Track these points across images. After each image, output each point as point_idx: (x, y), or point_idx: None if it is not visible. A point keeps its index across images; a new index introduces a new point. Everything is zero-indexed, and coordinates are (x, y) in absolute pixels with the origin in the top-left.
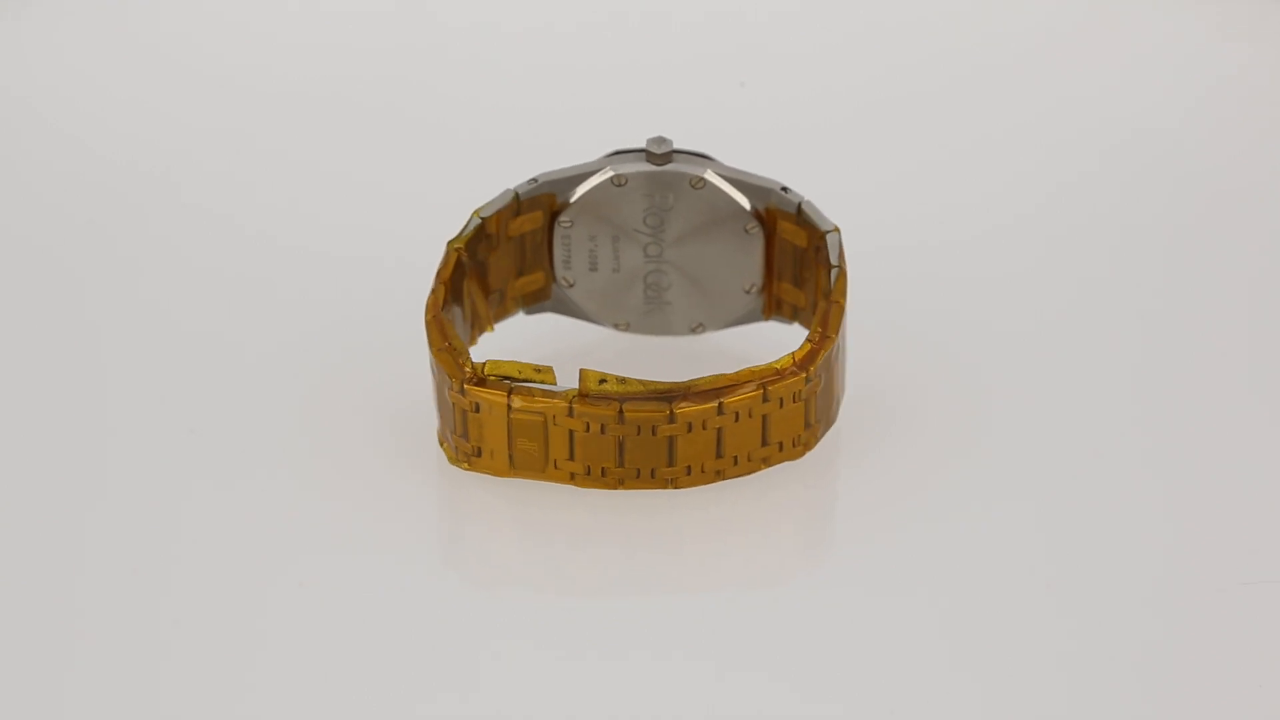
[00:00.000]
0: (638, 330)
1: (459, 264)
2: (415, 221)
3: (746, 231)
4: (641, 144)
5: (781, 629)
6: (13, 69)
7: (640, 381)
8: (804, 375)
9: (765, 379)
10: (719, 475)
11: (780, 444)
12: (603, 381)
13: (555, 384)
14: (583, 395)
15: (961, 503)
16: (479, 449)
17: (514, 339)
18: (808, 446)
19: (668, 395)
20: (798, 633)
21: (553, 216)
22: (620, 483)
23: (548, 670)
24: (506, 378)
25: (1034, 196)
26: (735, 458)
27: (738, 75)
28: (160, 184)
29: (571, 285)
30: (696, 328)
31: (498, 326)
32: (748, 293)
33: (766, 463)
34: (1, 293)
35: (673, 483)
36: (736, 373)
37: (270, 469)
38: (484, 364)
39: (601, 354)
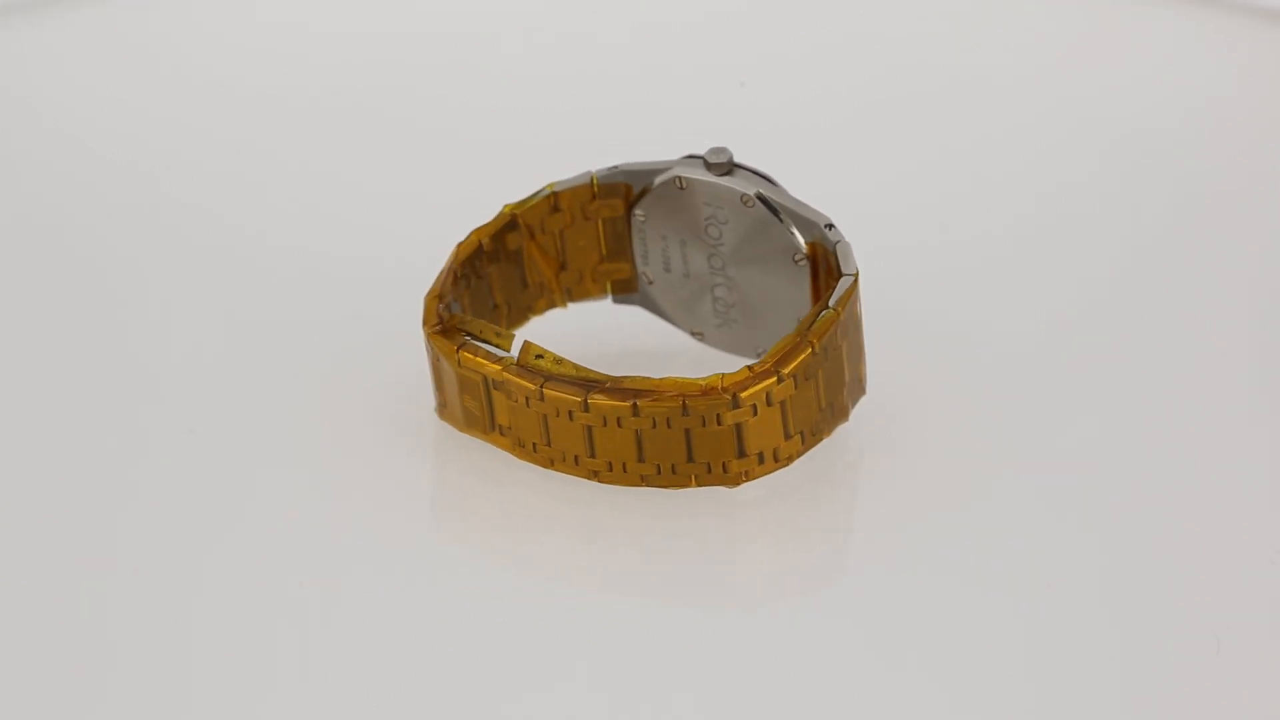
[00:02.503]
0: (711, 343)
1: (511, 224)
2: (414, 222)
3: (795, 262)
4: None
5: (778, 636)
6: (13, 73)
7: (575, 366)
8: (728, 399)
9: (686, 393)
10: (643, 480)
11: (708, 465)
12: (539, 357)
13: (508, 350)
14: (517, 365)
15: (961, 506)
16: (444, 400)
17: (593, 324)
18: (748, 476)
19: (587, 384)
20: (794, 640)
21: (629, 208)
22: (551, 463)
23: (544, 667)
24: (468, 333)
25: (1034, 197)
26: (658, 466)
27: (738, 75)
28: (160, 185)
29: (651, 282)
30: (761, 353)
31: (582, 308)
32: None
33: (697, 480)
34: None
35: (596, 475)
36: (661, 379)
37: (270, 470)
38: (453, 315)
39: (679, 359)
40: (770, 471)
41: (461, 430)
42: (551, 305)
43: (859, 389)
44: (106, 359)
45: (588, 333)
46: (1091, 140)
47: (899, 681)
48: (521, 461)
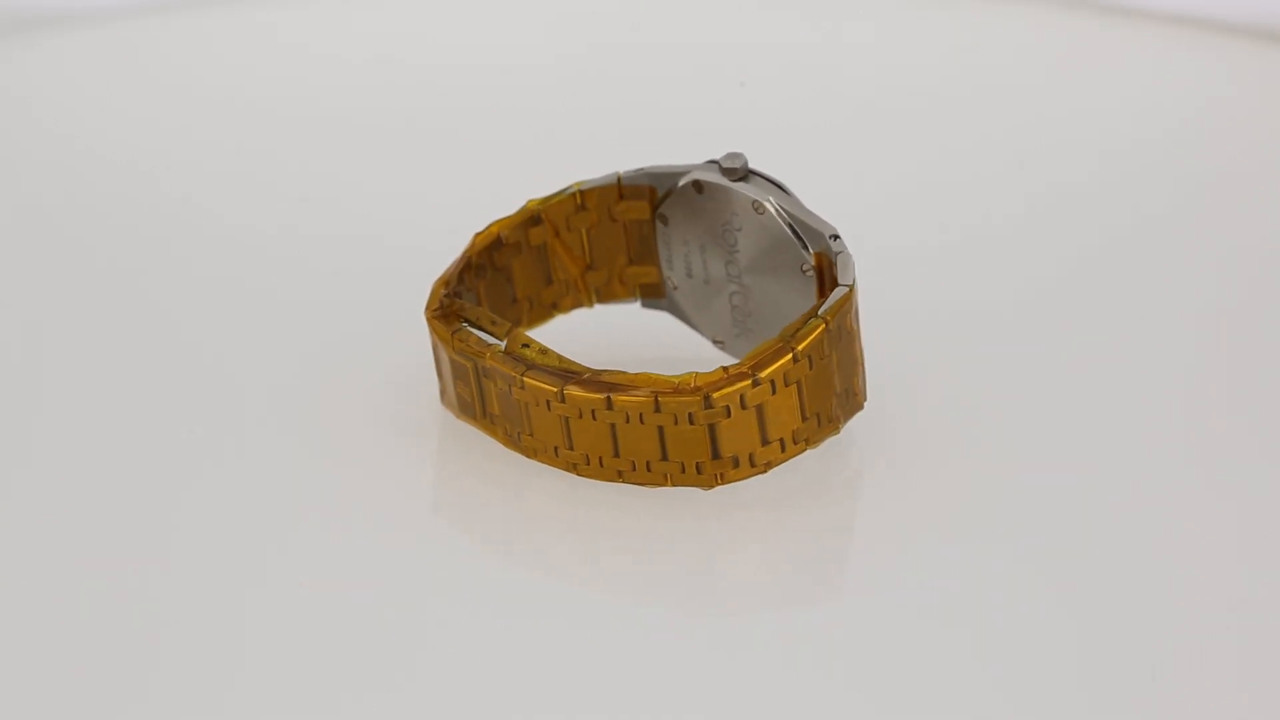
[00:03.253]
0: (730, 352)
1: (534, 219)
2: (418, 222)
3: (803, 272)
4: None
5: (777, 639)
6: (23, 90)
7: (559, 357)
8: (700, 399)
9: (659, 389)
10: (619, 476)
11: (682, 465)
12: (525, 346)
13: (503, 339)
14: (504, 353)
15: (962, 509)
16: (444, 388)
17: (619, 328)
18: (722, 480)
19: (566, 375)
20: (792, 643)
21: (654, 210)
22: (534, 454)
23: (542, 667)
24: (465, 319)
25: (1034, 197)
26: (634, 463)
27: (738, 75)
28: (161, 187)
29: (676, 288)
30: None
31: (610, 311)
32: None
33: (670, 480)
34: (4, 294)
35: (575, 468)
36: (636, 374)
37: (270, 470)
38: (454, 302)
39: (700, 367)
40: (746, 476)
41: (458, 417)
42: (578, 304)
43: (853, 402)
44: (106, 358)
45: (612, 336)
46: (1091, 141)
47: (895, 685)
48: (523, 462)
